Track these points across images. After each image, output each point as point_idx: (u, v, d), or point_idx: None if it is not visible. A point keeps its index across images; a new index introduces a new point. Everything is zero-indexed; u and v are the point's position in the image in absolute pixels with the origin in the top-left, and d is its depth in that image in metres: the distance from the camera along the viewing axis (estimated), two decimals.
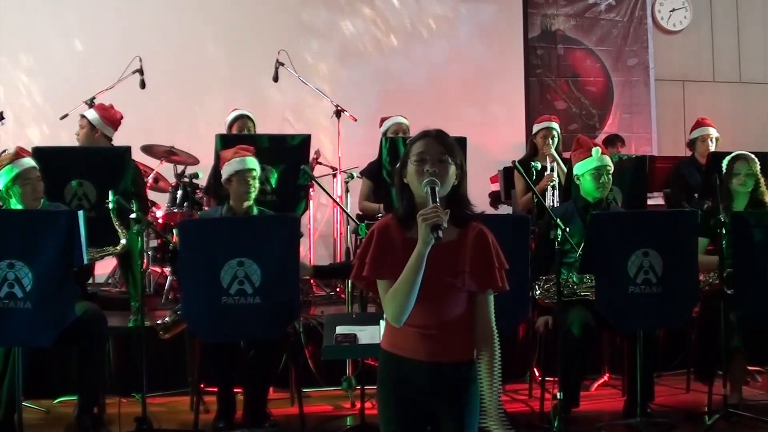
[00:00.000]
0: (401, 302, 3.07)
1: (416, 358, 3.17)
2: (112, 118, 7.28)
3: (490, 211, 8.92)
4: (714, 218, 5.86)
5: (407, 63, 10.69)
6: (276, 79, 8.76)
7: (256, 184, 5.99)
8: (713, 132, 8.04)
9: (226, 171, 5.97)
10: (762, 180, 6.24)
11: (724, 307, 5.76)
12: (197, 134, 9.37)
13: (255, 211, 6.03)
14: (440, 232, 2.95)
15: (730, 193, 6.24)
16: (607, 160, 6.14)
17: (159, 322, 5.69)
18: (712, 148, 7.91)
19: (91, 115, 7.26)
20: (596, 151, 6.15)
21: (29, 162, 5.71)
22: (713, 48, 11.70)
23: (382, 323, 4.92)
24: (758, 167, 6.23)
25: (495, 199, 8.97)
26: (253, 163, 5.98)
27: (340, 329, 5.02)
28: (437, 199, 3.02)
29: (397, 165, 3.29)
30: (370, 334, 4.97)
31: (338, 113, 8.65)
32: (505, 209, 8.59)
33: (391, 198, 6.77)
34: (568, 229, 5.72)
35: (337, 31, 10.52)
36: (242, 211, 5.95)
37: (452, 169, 3.15)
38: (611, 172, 6.14)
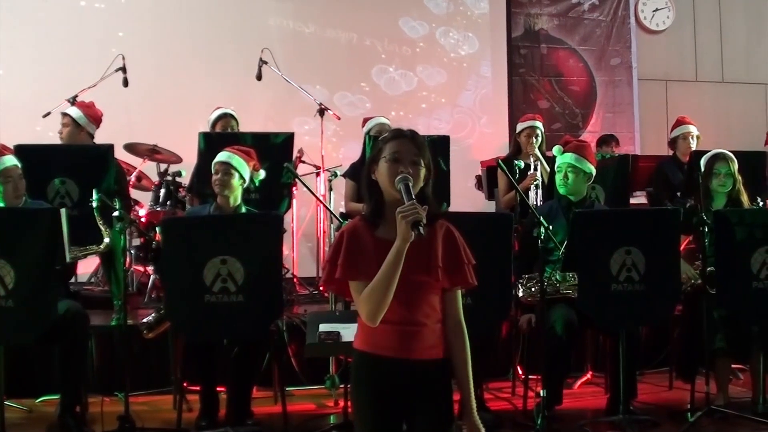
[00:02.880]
0: (378, 300, 3.06)
1: (391, 356, 3.17)
2: (95, 115, 7.26)
3: (479, 200, 8.96)
4: (696, 216, 5.89)
5: (409, 73, 10.70)
6: (259, 77, 8.75)
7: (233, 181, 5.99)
8: (694, 130, 8.13)
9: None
10: (740, 179, 6.27)
11: (707, 306, 5.79)
12: (180, 133, 9.35)
13: (243, 209, 6.03)
14: (421, 229, 2.96)
15: (709, 192, 6.27)
16: (569, 158, 6.17)
17: (143, 321, 5.68)
18: (693, 145, 7.99)
19: (75, 113, 7.22)
20: (557, 149, 6.26)
21: (11, 160, 5.69)
22: (696, 48, 11.73)
23: None
24: (736, 166, 6.27)
25: (480, 182, 8.99)
26: (228, 157, 5.99)
27: (323, 327, 5.01)
28: (413, 196, 3.03)
29: (366, 162, 3.29)
30: (353, 332, 4.91)
31: (321, 112, 8.65)
32: (488, 206, 8.58)
33: None
34: (551, 227, 5.74)
35: (344, 41, 10.51)
36: (230, 209, 5.95)
37: (423, 171, 3.17)
38: (579, 171, 6.14)
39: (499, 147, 9.85)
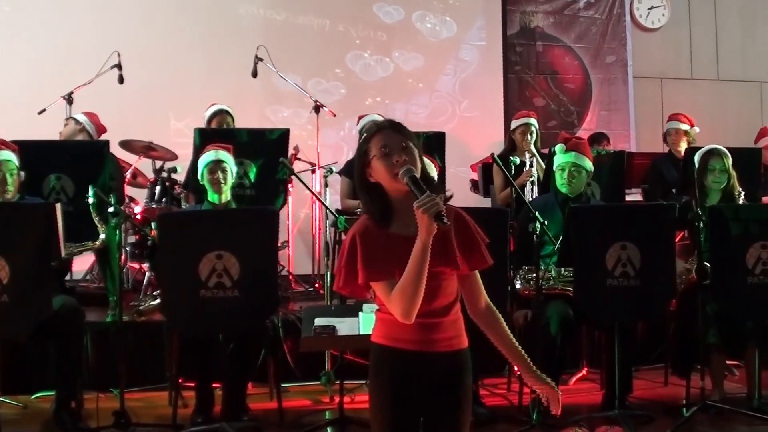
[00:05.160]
0: (410, 297, 2.99)
1: (411, 349, 3.13)
2: (97, 123, 7.35)
3: (473, 196, 8.94)
4: (691, 212, 5.89)
5: (385, 59, 10.64)
6: (255, 74, 8.75)
7: (228, 177, 6.08)
8: (683, 126, 8.17)
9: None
10: (734, 174, 6.30)
11: (702, 301, 5.80)
12: (176, 129, 9.37)
13: (233, 205, 6.08)
14: (445, 218, 2.90)
15: (703, 187, 6.28)
16: (573, 157, 6.17)
17: (135, 304, 5.72)
18: (683, 141, 8.04)
19: (80, 117, 7.32)
20: (559, 147, 6.25)
21: (5, 155, 5.67)
22: (691, 46, 11.74)
23: (362, 315, 4.95)
24: (730, 162, 6.29)
25: (474, 186, 9.00)
26: (217, 155, 6.10)
27: (318, 321, 5.02)
28: (423, 186, 2.97)
29: (356, 167, 3.20)
30: (349, 326, 4.98)
31: (317, 109, 8.65)
32: (483, 202, 8.58)
33: None
34: (546, 222, 5.74)
35: (317, 27, 10.45)
36: (222, 206, 6.00)
37: (416, 152, 3.10)
38: (582, 169, 6.16)
39: (494, 144, 9.81)
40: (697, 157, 6.41)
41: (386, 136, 3.11)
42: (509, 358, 3.28)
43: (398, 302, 3.03)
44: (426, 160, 3.26)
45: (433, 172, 3.41)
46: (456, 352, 3.18)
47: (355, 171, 3.21)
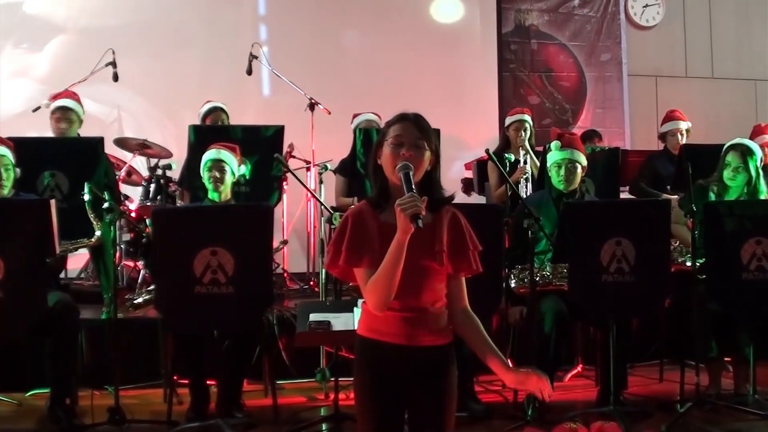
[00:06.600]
0: (383, 291, 3.05)
1: (395, 342, 3.15)
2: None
3: (463, 197, 8.93)
4: (686, 208, 5.89)
5: (380, 56, 10.63)
6: (249, 72, 8.74)
7: (226, 177, 6.11)
8: (683, 125, 8.11)
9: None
10: (758, 174, 6.18)
11: (699, 301, 5.80)
12: (171, 126, 9.36)
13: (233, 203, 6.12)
14: (420, 222, 2.94)
15: (722, 182, 6.24)
16: (569, 153, 6.17)
17: (130, 297, 5.72)
18: (683, 141, 7.99)
19: (74, 105, 7.26)
20: (555, 144, 6.24)
21: None
22: (686, 44, 11.75)
23: (356, 310, 4.95)
24: (757, 161, 6.18)
25: (467, 185, 9.00)
26: (218, 154, 6.14)
27: (313, 316, 5.02)
28: (413, 186, 3.01)
29: (373, 146, 3.27)
30: (344, 321, 4.97)
31: (312, 106, 8.64)
32: (477, 198, 8.59)
33: (366, 191, 6.78)
34: (541, 218, 5.73)
35: (311, 24, 10.44)
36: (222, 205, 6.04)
37: (427, 154, 3.15)
38: (577, 165, 6.16)
39: (488, 141, 9.82)
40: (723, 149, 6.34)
41: (404, 128, 3.17)
42: (482, 357, 3.24)
43: (371, 293, 3.10)
44: None
45: None
46: (438, 347, 3.20)
47: (372, 149, 3.27)
